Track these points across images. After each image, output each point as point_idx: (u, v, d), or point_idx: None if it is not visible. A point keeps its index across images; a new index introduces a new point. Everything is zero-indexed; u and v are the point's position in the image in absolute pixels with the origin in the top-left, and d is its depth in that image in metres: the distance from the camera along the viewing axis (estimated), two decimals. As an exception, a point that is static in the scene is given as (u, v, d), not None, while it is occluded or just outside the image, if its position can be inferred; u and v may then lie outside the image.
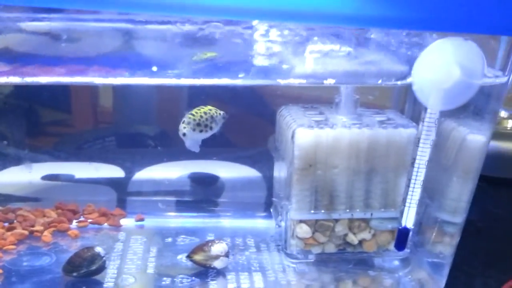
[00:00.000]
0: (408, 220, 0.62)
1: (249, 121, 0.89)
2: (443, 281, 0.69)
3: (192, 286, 0.67)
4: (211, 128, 0.67)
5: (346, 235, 0.72)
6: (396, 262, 0.73)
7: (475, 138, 0.65)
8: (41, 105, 0.89)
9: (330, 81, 0.62)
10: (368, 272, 0.71)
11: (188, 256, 0.70)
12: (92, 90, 0.91)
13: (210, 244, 0.70)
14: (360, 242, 0.72)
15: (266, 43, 0.64)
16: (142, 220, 0.83)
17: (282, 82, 0.63)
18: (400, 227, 0.63)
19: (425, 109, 0.58)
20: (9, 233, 0.76)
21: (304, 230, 0.71)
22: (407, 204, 0.62)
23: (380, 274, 0.71)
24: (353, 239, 0.72)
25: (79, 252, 0.67)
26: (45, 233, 0.77)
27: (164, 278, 0.68)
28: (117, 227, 0.81)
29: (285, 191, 0.72)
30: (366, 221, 0.71)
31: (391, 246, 0.72)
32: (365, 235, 0.72)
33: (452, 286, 0.69)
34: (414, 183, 0.61)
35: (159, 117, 0.95)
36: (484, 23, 0.48)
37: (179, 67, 0.65)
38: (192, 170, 0.89)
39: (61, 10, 0.62)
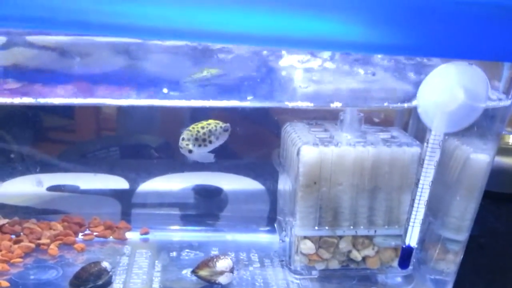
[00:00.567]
0: (412, 239, 0.63)
1: (254, 133, 0.89)
2: (446, 299, 0.69)
3: (197, 302, 0.68)
4: (210, 142, 0.67)
5: (350, 251, 0.72)
6: (399, 279, 0.74)
7: (478, 157, 0.66)
8: (46, 115, 0.90)
9: (337, 104, 0.63)
10: (371, 289, 0.72)
11: (193, 272, 0.70)
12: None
13: (215, 259, 0.70)
14: (364, 259, 0.73)
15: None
16: (147, 233, 0.83)
17: (290, 104, 0.64)
18: (404, 246, 0.64)
19: (430, 130, 0.58)
20: (16, 246, 0.76)
21: (308, 246, 0.71)
22: (410, 223, 0.62)
23: (383, 291, 0.72)
24: (356, 255, 0.72)
25: (86, 267, 0.68)
26: (52, 246, 0.78)
27: (170, 294, 0.69)
28: (122, 240, 0.81)
29: (290, 207, 0.73)
30: (369, 238, 0.72)
31: (395, 263, 0.72)
32: (369, 251, 0.72)
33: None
34: (418, 203, 0.61)
35: (163, 128, 0.95)
36: (488, 50, 0.49)
37: (188, 85, 0.65)
38: (196, 182, 0.89)
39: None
